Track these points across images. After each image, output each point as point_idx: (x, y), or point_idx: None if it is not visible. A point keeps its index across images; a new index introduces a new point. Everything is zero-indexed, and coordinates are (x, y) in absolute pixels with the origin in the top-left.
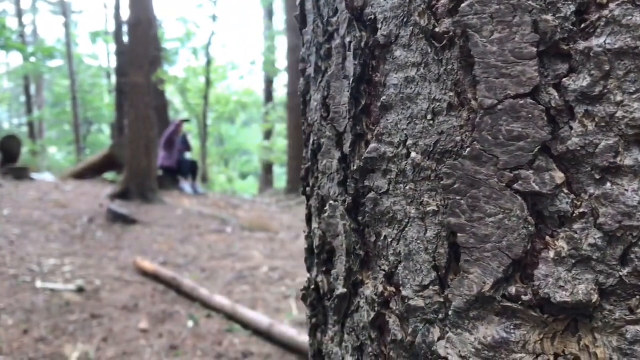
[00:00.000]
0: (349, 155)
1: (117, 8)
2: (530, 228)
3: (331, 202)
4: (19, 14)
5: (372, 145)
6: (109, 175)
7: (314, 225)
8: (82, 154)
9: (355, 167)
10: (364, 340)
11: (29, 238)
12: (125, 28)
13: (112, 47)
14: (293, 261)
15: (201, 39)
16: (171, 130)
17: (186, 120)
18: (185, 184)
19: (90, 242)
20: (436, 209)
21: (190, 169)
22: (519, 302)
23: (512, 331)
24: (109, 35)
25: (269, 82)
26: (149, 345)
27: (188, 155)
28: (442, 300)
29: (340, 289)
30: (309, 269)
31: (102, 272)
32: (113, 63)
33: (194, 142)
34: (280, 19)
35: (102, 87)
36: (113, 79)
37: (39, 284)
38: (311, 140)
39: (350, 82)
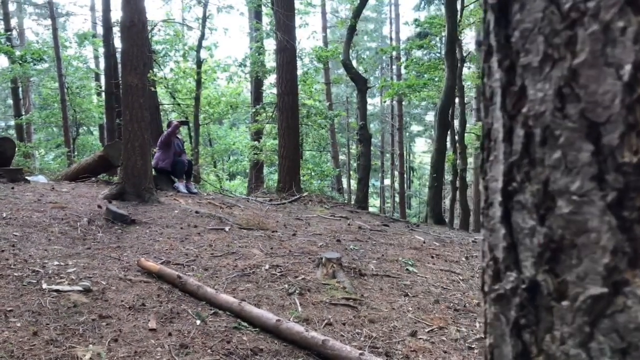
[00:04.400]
0: (615, 147)
1: (106, 11)
2: None
3: (574, 197)
4: (6, 17)
5: None
6: (103, 176)
7: (529, 222)
8: (71, 156)
9: (627, 160)
10: (635, 342)
11: (31, 240)
12: (116, 30)
13: (101, 49)
14: (293, 259)
15: (190, 40)
16: (169, 131)
17: (185, 123)
18: (180, 184)
19: (92, 243)
20: None
21: (184, 170)
22: None
23: None
24: (97, 38)
25: (258, 83)
26: (160, 345)
27: (184, 156)
28: None
29: (597, 289)
30: (508, 268)
31: (106, 272)
32: (102, 65)
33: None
34: (266, 21)
35: (91, 89)
36: (102, 81)
37: (44, 285)
38: (521, 133)
39: (627, 69)
